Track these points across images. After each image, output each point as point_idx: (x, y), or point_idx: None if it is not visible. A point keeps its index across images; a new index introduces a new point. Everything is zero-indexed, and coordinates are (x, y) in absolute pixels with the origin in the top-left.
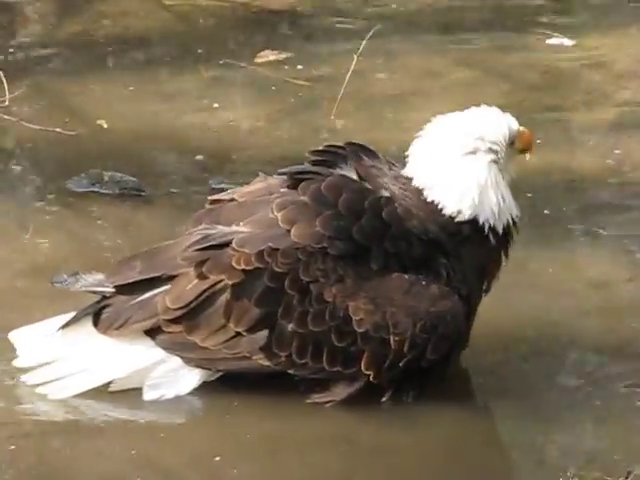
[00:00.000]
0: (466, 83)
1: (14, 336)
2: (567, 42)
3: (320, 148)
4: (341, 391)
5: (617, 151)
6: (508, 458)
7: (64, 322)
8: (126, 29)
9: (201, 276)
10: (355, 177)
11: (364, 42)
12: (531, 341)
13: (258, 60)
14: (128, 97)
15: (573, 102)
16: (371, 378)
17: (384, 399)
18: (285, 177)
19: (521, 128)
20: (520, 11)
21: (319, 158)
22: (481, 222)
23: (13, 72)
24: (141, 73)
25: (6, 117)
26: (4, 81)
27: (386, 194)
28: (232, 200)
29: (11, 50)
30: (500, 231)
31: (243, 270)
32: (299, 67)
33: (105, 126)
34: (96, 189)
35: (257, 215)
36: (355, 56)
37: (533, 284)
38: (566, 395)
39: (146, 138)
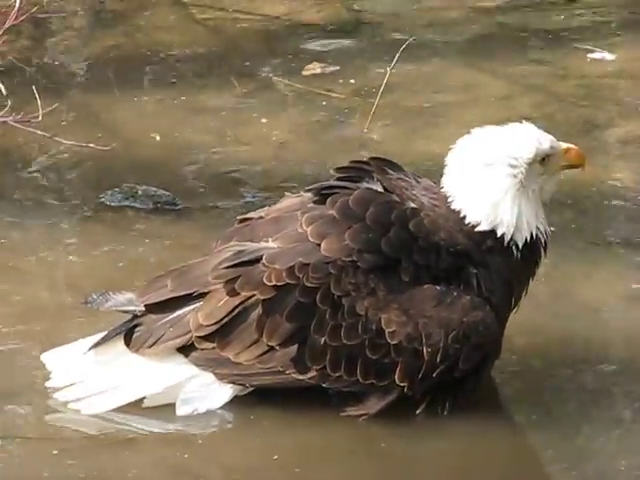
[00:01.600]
0: (501, 96)
1: (47, 357)
2: (609, 56)
3: (345, 165)
4: (375, 404)
5: None
6: (540, 471)
7: (95, 342)
8: (159, 43)
9: (233, 292)
10: (381, 190)
11: (398, 55)
12: (564, 353)
13: (305, 73)
14: (161, 111)
15: (608, 115)
16: (405, 390)
17: (418, 411)
18: (312, 194)
19: (565, 145)
20: (562, 25)
21: (344, 175)
22: (499, 234)
23: (46, 87)
24: (173, 87)
25: (40, 132)
26: (37, 96)
27: (412, 205)
28: (260, 218)
29: (44, 65)
30: (520, 245)
31: (274, 286)
32: (336, 80)
33: (158, 139)
34: (130, 203)
35: (286, 230)
36: (389, 69)
37: (558, 299)
38: (596, 408)
39: (179, 152)
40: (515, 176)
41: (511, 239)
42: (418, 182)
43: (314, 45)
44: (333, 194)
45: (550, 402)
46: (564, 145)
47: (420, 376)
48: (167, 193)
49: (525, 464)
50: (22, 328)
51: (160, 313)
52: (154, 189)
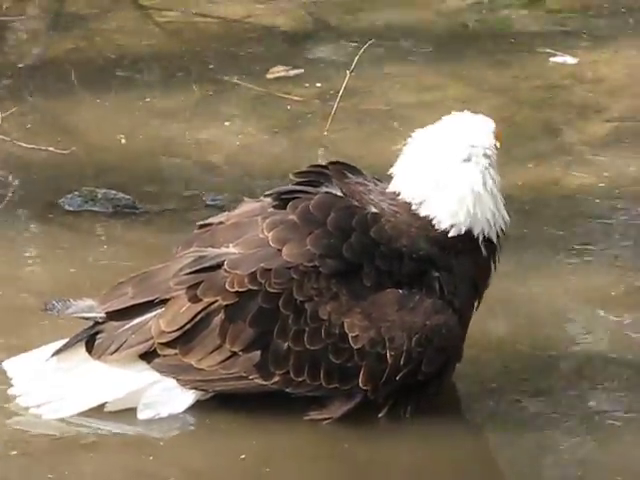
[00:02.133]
0: (460, 98)
1: (8, 365)
2: (570, 60)
3: (304, 169)
4: (338, 408)
5: (611, 166)
6: (503, 473)
7: (57, 349)
8: (118, 47)
9: (195, 298)
10: (341, 194)
11: (357, 58)
12: (525, 356)
13: (269, 76)
14: (121, 114)
15: (567, 117)
16: (369, 394)
17: (381, 415)
18: (272, 198)
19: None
20: (524, 28)
21: (303, 179)
22: (476, 234)
23: (5, 91)
24: (133, 90)
25: None
26: None
27: (374, 210)
28: (221, 223)
29: (3, 68)
30: (494, 240)
31: (237, 292)
32: (300, 83)
33: (123, 141)
34: (90, 207)
35: (247, 235)
36: (348, 72)
37: (527, 300)
38: (563, 411)
39: (140, 155)
40: (492, 166)
41: (487, 237)
42: (377, 186)
43: (276, 48)
44: (293, 199)
45: (514, 406)
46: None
47: (383, 380)
48: (127, 196)
49: (485, 466)
50: None
51: (122, 320)
52: (114, 192)
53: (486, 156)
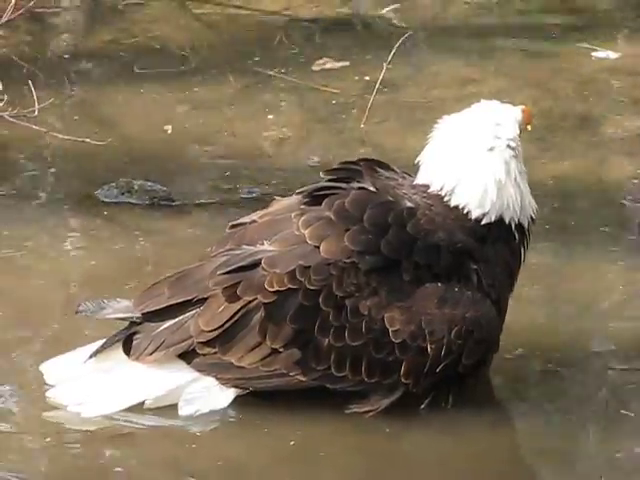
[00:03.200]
0: (497, 91)
1: (45, 367)
2: (612, 55)
3: (334, 167)
4: (380, 400)
5: None
6: (537, 464)
7: (94, 351)
8: (155, 38)
9: (234, 297)
10: (374, 190)
11: (394, 50)
12: (561, 348)
13: (315, 68)
14: (157, 106)
15: (604, 109)
16: (410, 387)
17: (422, 406)
18: (303, 196)
19: (521, 108)
20: (565, 21)
21: (334, 177)
22: (507, 221)
23: (43, 82)
24: (170, 82)
25: (35, 127)
26: (34, 91)
27: (409, 204)
28: (253, 222)
29: (41, 60)
30: (526, 226)
31: (276, 291)
32: (347, 75)
33: (170, 132)
34: (126, 199)
35: (282, 233)
36: (385, 65)
37: (562, 292)
38: (595, 403)
39: (176, 147)
40: (515, 157)
41: (518, 223)
42: (406, 180)
43: (320, 40)
44: (326, 195)
45: (549, 397)
46: (521, 107)
47: (424, 373)
48: (164, 188)
49: (523, 457)
50: (21, 327)
51: (158, 320)
52: (150, 184)
53: (510, 147)
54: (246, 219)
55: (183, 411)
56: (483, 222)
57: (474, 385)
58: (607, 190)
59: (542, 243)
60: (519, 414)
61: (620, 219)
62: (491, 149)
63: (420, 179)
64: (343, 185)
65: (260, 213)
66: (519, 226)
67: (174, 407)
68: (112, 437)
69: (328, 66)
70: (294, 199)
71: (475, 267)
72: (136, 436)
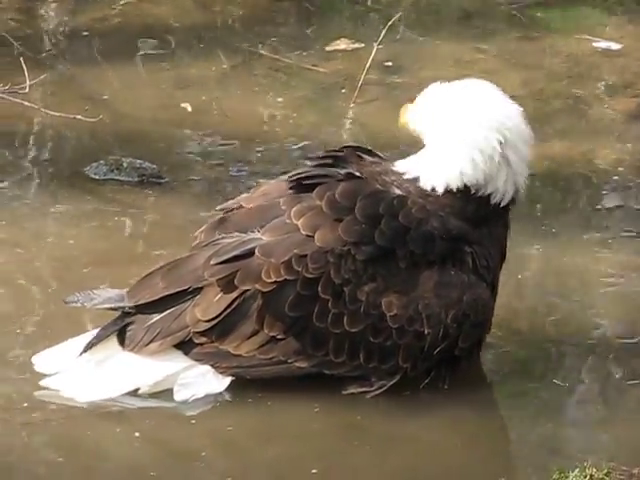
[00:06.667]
0: (488, 71)
1: (37, 359)
2: (615, 46)
3: (318, 154)
4: (377, 382)
5: (636, 141)
6: (524, 447)
7: (88, 343)
8: (145, 16)
9: (230, 286)
10: (362, 177)
11: (384, 31)
12: (548, 331)
13: (328, 49)
14: (148, 84)
15: (596, 92)
16: (408, 371)
17: (421, 387)
18: (292, 182)
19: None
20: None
21: (320, 162)
22: (501, 194)
23: (34, 59)
24: (161, 60)
25: (26, 104)
26: (25, 68)
27: (398, 192)
28: (240, 207)
29: (32, 37)
30: (517, 197)
31: (274, 281)
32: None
33: (189, 110)
34: (115, 176)
35: (274, 222)
36: (375, 45)
37: (557, 273)
38: (587, 384)
39: (166, 125)
40: (496, 132)
41: (512, 199)
42: (392, 166)
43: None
44: (315, 184)
45: (537, 380)
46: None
47: (422, 356)
48: (153, 166)
49: (510, 440)
50: (9, 305)
51: (154, 311)
52: (140, 162)
53: (496, 121)
54: (232, 204)
55: (178, 396)
56: (478, 195)
57: (468, 366)
58: (597, 172)
59: (531, 225)
60: (511, 396)
61: (609, 201)
62: (477, 125)
63: (405, 165)
64: (331, 171)
65: (246, 198)
66: (512, 201)
67: (169, 391)
68: (100, 415)
69: (343, 47)
70: (282, 185)
71: (470, 250)
72: (125, 415)
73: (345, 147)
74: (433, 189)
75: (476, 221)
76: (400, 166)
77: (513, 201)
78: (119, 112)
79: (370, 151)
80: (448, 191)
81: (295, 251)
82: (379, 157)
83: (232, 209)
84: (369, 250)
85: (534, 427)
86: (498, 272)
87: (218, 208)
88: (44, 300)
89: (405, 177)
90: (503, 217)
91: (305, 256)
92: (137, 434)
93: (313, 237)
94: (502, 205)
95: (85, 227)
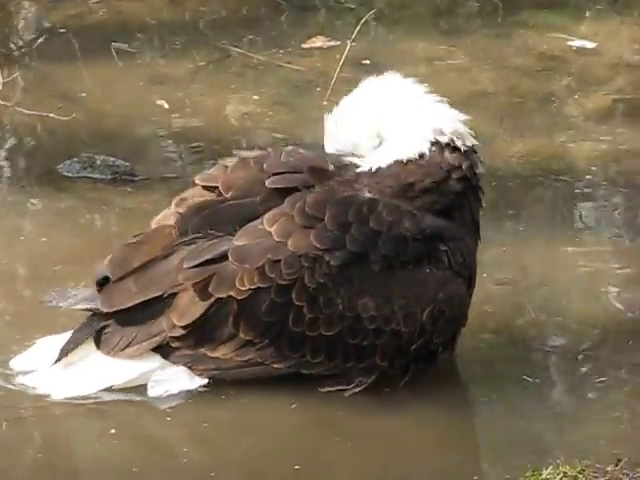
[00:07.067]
0: (461, 68)
1: (16, 364)
2: (589, 44)
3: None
4: (355, 380)
5: (608, 138)
6: (500, 443)
7: (62, 349)
8: (119, 13)
9: (205, 293)
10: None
11: (357, 28)
12: (519, 330)
13: (304, 46)
14: (121, 81)
15: (567, 89)
16: (386, 368)
17: (401, 384)
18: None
19: None
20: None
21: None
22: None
23: (6, 57)
24: (134, 57)
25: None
26: None
27: (368, 196)
28: (217, 192)
29: (4, 34)
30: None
31: (248, 289)
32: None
33: (166, 106)
34: (88, 174)
35: (247, 227)
36: (348, 42)
37: (523, 272)
38: (559, 382)
39: (139, 122)
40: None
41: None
42: (359, 167)
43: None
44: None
45: (512, 376)
46: None
47: (399, 354)
48: (126, 163)
49: (485, 437)
50: None
51: (128, 316)
52: (113, 159)
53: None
54: (210, 182)
55: (152, 392)
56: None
57: (445, 359)
58: (569, 169)
59: (503, 222)
60: (482, 395)
61: (581, 198)
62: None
63: (369, 163)
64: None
65: (222, 180)
66: (475, 179)
67: (143, 386)
68: (75, 410)
69: (319, 44)
70: (259, 181)
71: (444, 248)
72: (100, 410)
73: (308, 167)
74: (404, 180)
75: (449, 208)
76: (367, 166)
77: (476, 178)
78: (93, 109)
79: (337, 158)
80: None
81: (268, 256)
82: (349, 162)
83: (210, 187)
84: (342, 255)
85: (506, 425)
86: (474, 261)
87: (198, 182)
88: (17, 298)
89: (377, 176)
90: (475, 191)
91: (279, 261)
92: (113, 430)
93: (286, 243)
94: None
95: (58, 225)
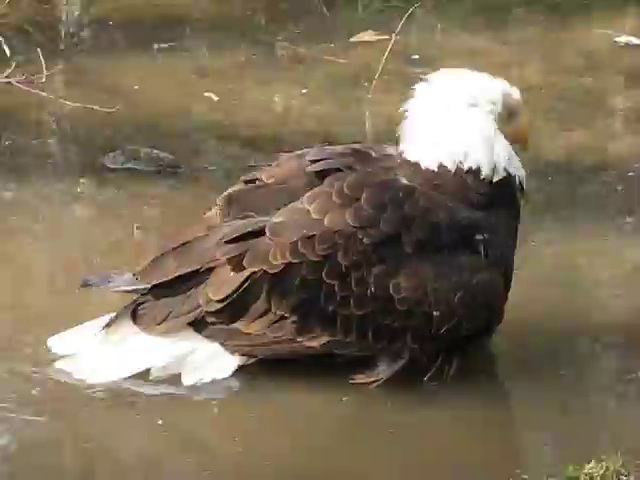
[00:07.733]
0: (506, 63)
1: (53, 341)
2: (635, 41)
3: (322, 158)
4: (384, 370)
5: None
6: (540, 438)
7: (106, 323)
8: (163, 6)
9: (240, 267)
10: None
11: (402, 21)
12: (560, 325)
13: (352, 39)
14: (165, 74)
15: (613, 84)
16: (416, 352)
17: (425, 378)
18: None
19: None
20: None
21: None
22: (511, 176)
23: (50, 49)
24: (179, 50)
25: (43, 94)
26: (42, 58)
27: (405, 182)
28: (259, 181)
29: (48, 27)
30: (524, 185)
31: (280, 264)
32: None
33: (215, 99)
34: (132, 165)
35: (288, 206)
36: (394, 35)
37: (568, 268)
38: (598, 378)
39: (183, 115)
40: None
41: (519, 183)
42: (401, 158)
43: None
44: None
45: (544, 373)
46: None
47: (430, 336)
48: (170, 156)
49: (515, 431)
50: (27, 294)
51: (166, 291)
52: (157, 151)
53: (492, 102)
54: (258, 175)
55: (187, 380)
56: (494, 180)
57: (475, 357)
58: (612, 164)
59: (548, 216)
60: (518, 388)
61: (624, 194)
62: (474, 105)
63: (409, 153)
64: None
65: (268, 172)
66: (520, 186)
67: (178, 377)
68: (112, 405)
69: (367, 38)
70: (300, 162)
71: (480, 238)
72: (137, 405)
73: (352, 149)
74: (446, 175)
75: (487, 205)
76: (408, 155)
77: (521, 189)
78: (137, 102)
79: (380, 146)
80: (459, 175)
81: (304, 231)
82: (390, 151)
83: (254, 183)
84: (376, 234)
85: (545, 420)
86: (512, 261)
87: (242, 179)
88: (60, 286)
89: (412, 165)
90: (515, 200)
91: (313, 237)
92: (160, 422)
93: (323, 220)
94: (514, 183)
95: (103, 216)
